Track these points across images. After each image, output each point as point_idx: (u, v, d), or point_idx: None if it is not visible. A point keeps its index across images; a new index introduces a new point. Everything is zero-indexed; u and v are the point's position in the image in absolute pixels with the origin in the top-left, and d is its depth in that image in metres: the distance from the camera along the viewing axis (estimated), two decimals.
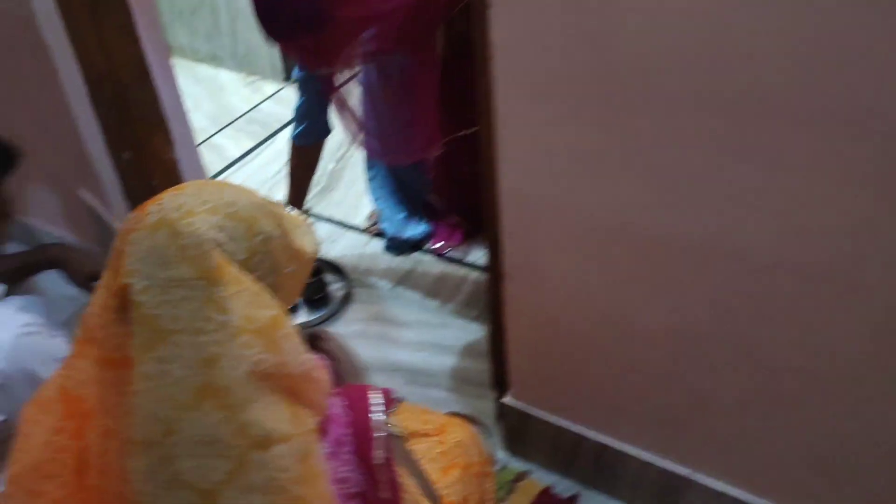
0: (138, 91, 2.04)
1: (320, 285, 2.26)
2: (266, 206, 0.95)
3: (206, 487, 0.85)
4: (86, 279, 1.77)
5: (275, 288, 0.91)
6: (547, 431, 1.66)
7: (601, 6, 1.08)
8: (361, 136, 2.07)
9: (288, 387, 0.88)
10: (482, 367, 1.95)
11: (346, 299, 2.25)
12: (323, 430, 0.98)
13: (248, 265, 0.89)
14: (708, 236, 1.19)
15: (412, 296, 2.25)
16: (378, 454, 1.01)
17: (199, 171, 2.37)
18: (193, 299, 0.84)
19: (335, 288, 2.30)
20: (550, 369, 1.58)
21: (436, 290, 2.27)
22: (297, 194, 2.32)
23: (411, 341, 2.10)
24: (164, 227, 0.85)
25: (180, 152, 2.23)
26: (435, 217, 2.41)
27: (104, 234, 2.30)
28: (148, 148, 2.10)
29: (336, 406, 1.02)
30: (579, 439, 1.61)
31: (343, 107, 2.03)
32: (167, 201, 0.89)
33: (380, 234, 2.47)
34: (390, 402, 1.10)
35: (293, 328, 0.90)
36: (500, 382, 1.75)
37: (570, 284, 1.43)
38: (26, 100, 2.17)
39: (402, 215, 2.39)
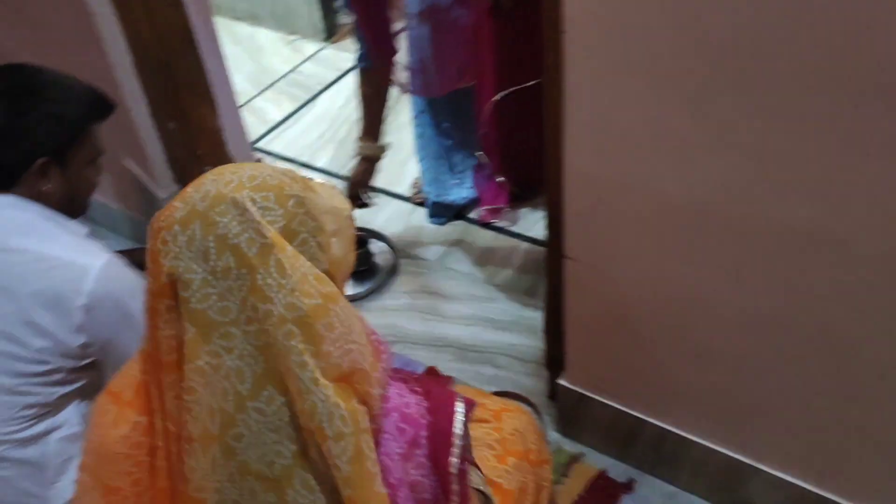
0: (183, 59, 1.99)
1: (365, 256, 2.22)
2: (289, 172, 0.92)
3: (276, 474, 0.85)
4: None
5: (323, 249, 0.89)
6: (604, 415, 1.62)
7: None
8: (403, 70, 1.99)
9: (337, 377, 0.85)
10: (534, 345, 1.91)
11: (392, 271, 2.22)
12: (399, 428, 0.95)
13: (289, 230, 0.85)
14: (808, 223, 1.13)
15: (460, 268, 2.21)
16: (454, 462, 0.97)
17: (241, 138, 2.34)
18: (239, 289, 0.83)
19: (381, 259, 2.26)
20: (611, 352, 1.54)
21: (484, 261, 2.22)
22: (372, 124, 2.13)
23: (460, 315, 2.07)
24: (195, 219, 0.84)
25: (224, 120, 2.19)
26: (482, 178, 2.34)
27: (148, 204, 2.28)
28: (193, 117, 2.07)
29: (415, 406, 0.99)
30: (639, 424, 1.57)
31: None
32: (191, 193, 0.86)
33: (423, 204, 2.42)
34: (471, 410, 1.07)
35: (342, 315, 0.86)
36: (554, 362, 1.71)
37: (639, 267, 1.37)
38: (71, 69, 2.13)
39: (446, 176, 2.33)
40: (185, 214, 0.85)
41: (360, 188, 2.15)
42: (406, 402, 0.97)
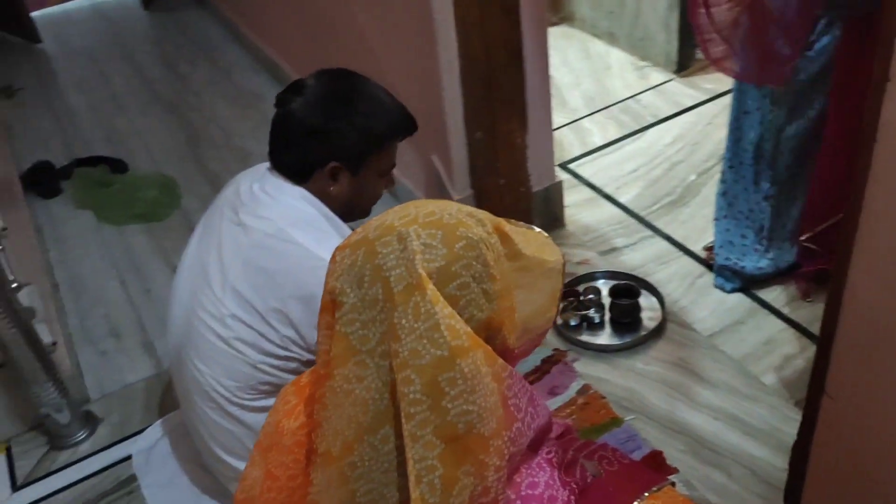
0: (507, 74, 2.03)
1: (632, 308, 2.10)
2: (481, 214, 0.88)
3: None
4: None
5: (490, 297, 0.84)
6: None
7: None
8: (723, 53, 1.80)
9: (450, 436, 0.80)
10: (779, 465, 1.66)
11: (655, 333, 2.07)
12: None
13: (447, 272, 0.82)
14: None
15: (731, 351, 1.99)
16: None
17: (546, 157, 2.34)
18: (381, 322, 0.82)
19: (647, 316, 2.13)
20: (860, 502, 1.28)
21: (761, 353, 1.98)
22: None
23: (710, 405, 1.87)
24: (363, 246, 0.84)
25: (533, 138, 2.20)
26: (797, 249, 2.07)
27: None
28: (500, 130, 2.10)
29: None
30: None
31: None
32: (374, 220, 0.87)
33: (712, 267, 2.23)
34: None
35: (469, 370, 0.80)
36: (791, 495, 1.48)
37: None
38: (402, 62, 2.28)
39: (748, 240, 2.10)
40: (358, 239, 0.86)
41: None
42: (552, 495, 0.88)
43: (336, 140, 1.43)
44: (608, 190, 2.62)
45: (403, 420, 0.80)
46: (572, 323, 2.11)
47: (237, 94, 3.56)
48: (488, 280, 0.84)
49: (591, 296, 2.14)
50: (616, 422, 1.86)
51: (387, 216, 0.87)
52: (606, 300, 2.14)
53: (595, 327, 2.10)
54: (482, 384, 0.81)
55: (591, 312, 2.11)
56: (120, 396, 2.14)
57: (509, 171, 2.18)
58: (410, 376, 0.80)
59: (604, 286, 2.20)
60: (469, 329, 0.81)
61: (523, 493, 0.87)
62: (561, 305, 2.06)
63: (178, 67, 3.88)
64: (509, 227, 0.93)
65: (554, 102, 3.08)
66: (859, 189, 1.04)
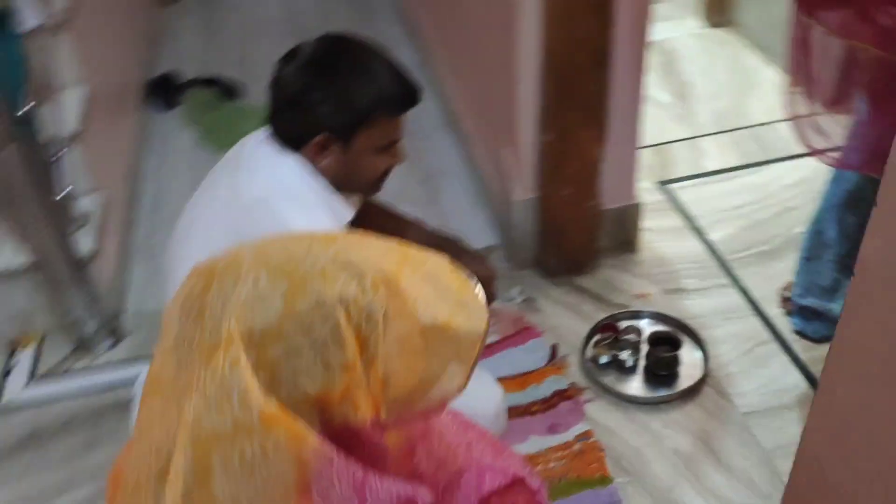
0: (588, 77, 1.85)
1: (671, 361, 1.89)
2: (366, 264, 0.75)
3: None
4: None
5: (332, 369, 0.71)
6: None
7: None
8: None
9: None
10: None
11: (689, 393, 1.85)
12: None
13: (275, 332, 0.71)
14: None
15: (762, 438, 1.74)
16: None
17: (627, 178, 2.13)
18: (187, 368, 0.73)
19: (686, 372, 1.90)
20: None
21: (795, 449, 1.72)
22: None
23: (717, 493, 1.65)
24: (205, 275, 0.76)
25: (613, 152, 2.01)
26: None
27: (501, 198, 2.24)
28: (572, 137, 1.93)
29: None
30: None
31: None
32: (244, 244, 0.78)
33: (790, 313, 1.99)
34: None
35: (259, 454, 0.69)
36: None
37: None
38: (493, 49, 2.13)
39: (830, 280, 1.84)
40: (209, 265, 0.76)
41: None
42: None
43: (319, 111, 1.34)
44: (701, 222, 2.35)
45: (170, 485, 0.71)
46: (601, 361, 1.93)
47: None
48: (334, 348, 0.72)
49: (630, 336, 1.95)
50: (604, 481, 1.68)
51: (249, 247, 0.77)
52: (645, 346, 1.93)
53: (625, 371, 1.91)
54: (263, 472, 0.70)
55: (625, 355, 1.91)
56: (154, 316, 2.19)
57: (577, 181, 2.00)
58: (186, 446, 0.71)
59: (647, 327, 1.99)
60: (272, 406, 0.70)
61: None
62: (593, 340, 1.92)
63: (326, 4, 3.88)
64: (411, 280, 0.78)
65: (680, 113, 2.85)
66: None
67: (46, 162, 2.01)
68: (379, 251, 0.80)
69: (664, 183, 2.51)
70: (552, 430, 1.80)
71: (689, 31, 3.31)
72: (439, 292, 0.81)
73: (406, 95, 1.40)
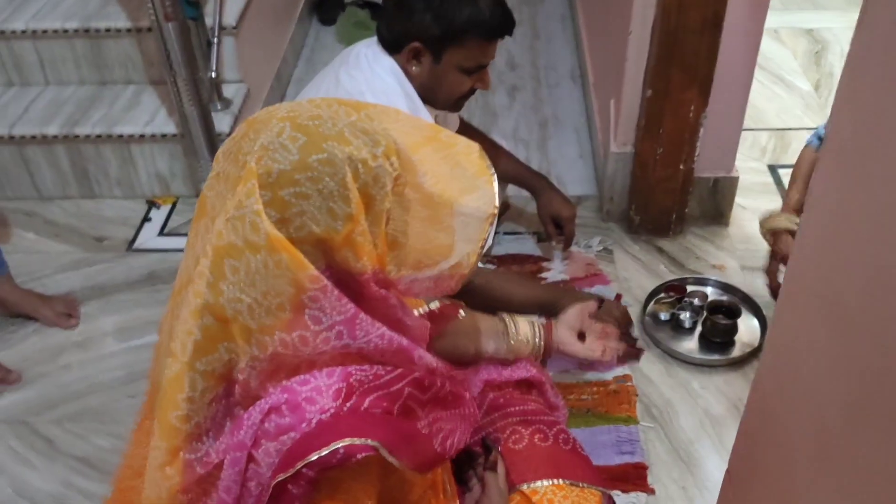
0: (697, 39, 1.89)
1: (729, 329, 1.92)
2: (383, 134, 0.87)
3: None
4: (548, 218, 1.96)
5: (336, 217, 0.85)
6: None
7: None
8: None
9: (219, 316, 0.89)
10: None
11: (738, 363, 1.88)
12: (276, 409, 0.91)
13: (288, 177, 0.84)
14: None
15: None
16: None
17: (729, 149, 2.16)
18: (222, 198, 0.90)
19: (743, 337, 1.93)
20: None
21: None
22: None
23: None
24: (248, 125, 0.91)
25: (717, 120, 2.05)
26: None
27: (601, 148, 2.31)
28: (671, 97, 1.98)
29: (320, 400, 0.91)
30: None
31: None
32: (285, 103, 0.93)
33: None
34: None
35: (256, 268, 0.85)
36: None
37: None
38: (610, 8, 2.19)
39: None
40: (254, 116, 0.92)
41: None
42: (311, 397, 0.91)
43: (416, 19, 1.49)
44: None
45: (193, 282, 0.89)
46: (661, 317, 1.99)
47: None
48: (339, 200, 0.84)
49: (694, 299, 1.99)
50: (629, 420, 1.77)
51: (288, 105, 0.92)
52: (704, 312, 1.97)
53: (682, 332, 1.96)
54: (266, 282, 0.85)
55: (685, 315, 1.97)
56: None
57: (672, 142, 2.04)
58: (207, 250, 0.88)
59: (712, 295, 2.02)
60: (278, 234, 0.84)
61: (286, 384, 0.92)
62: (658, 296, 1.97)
63: None
64: (429, 156, 0.92)
65: (814, 103, 2.78)
66: None
67: (202, 44, 2.28)
68: (405, 127, 0.94)
69: (775, 167, 2.48)
70: (593, 367, 1.90)
71: (849, 24, 3.16)
72: (455, 172, 0.94)
73: (500, 24, 1.52)
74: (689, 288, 2.04)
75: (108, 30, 2.39)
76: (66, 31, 2.40)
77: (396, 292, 0.97)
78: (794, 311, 0.87)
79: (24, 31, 2.40)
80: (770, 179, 2.45)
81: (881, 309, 0.67)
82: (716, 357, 1.90)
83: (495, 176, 0.97)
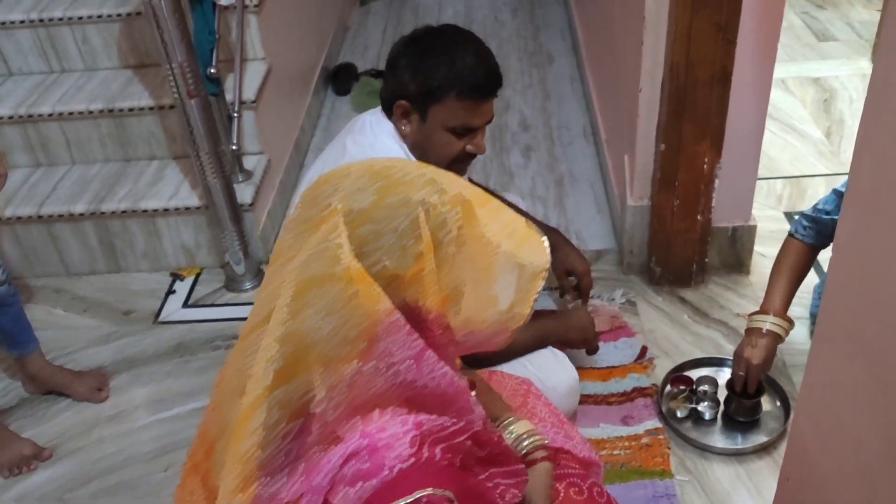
0: (705, 93, 1.94)
1: (754, 408, 1.85)
2: (451, 186, 0.94)
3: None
4: (563, 273, 1.95)
5: (407, 255, 0.90)
6: None
7: None
8: None
9: (297, 342, 0.91)
10: None
11: (771, 445, 1.81)
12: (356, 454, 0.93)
13: (366, 215, 0.91)
14: None
15: None
16: None
17: (745, 198, 2.18)
18: (301, 238, 0.95)
19: (768, 420, 1.86)
20: None
21: None
22: (786, 297, 1.86)
23: None
24: (329, 174, 0.98)
25: (732, 171, 2.08)
26: None
27: (618, 203, 2.34)
28: (686, 149, 2.02)
29: (397, 448, 0.94)
30: None
31: None
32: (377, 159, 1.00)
33: None
34: None
35: (341, 300, 0.88)
36: None
37: None
38: (620, 67, 2.24)
39: None
40: (342, 166, 0.99)
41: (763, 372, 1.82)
42: (389, 444, 0.93)
43: (399, 77, 1.53)
44: (822, 257, 2.33)
45: (273, 314, 0.92)
46: (679, 414, 1.88)
47: (536, 50, 3.69)
48: (411, 238, 0.90)
49: (704, 386, 1.89)
50: (664, 474, 1.76)
51: (360, 161, 0.99)
52: (722, 393, 1.88)
53: (704, 424, 1.87)
54: (343, 313, 0.89)
55: (703, 407, 1.87)
56: None
57: (687, 193, 2.07)
58: (289, 282, 0.92)
59: (723, 378, 1.92)
60: (358, 265, 0.89)
61: (364, 430, 0.94)
62: (666, 389, 1.93)
63: (501, 14, 4.11)
64: (486, 211, 0.96)
65: (827, 150, 2.81)
66: None
67: (223, 118, 2.35)
68: (463, 184, 0.99)
69: (791, 214, 2.50)
70: (625, 421, 1.89)
71: (855, 72, 3.23)
72: (508, 229, 0.98)
73: (479, 85, 1.52)
74: (694, 374, 1.95)
75: (131, 109, 2.47)
76: (91, 112, 2.48)
77: (454, 341, 0.99)
78: (829, 353, 0.87)
79: (50, 115, 2.48)
80: (787, 227, 2.45)
81: None
82: (748, 446, 1.81)
83: (545, 237, 1.00)
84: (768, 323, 1.80)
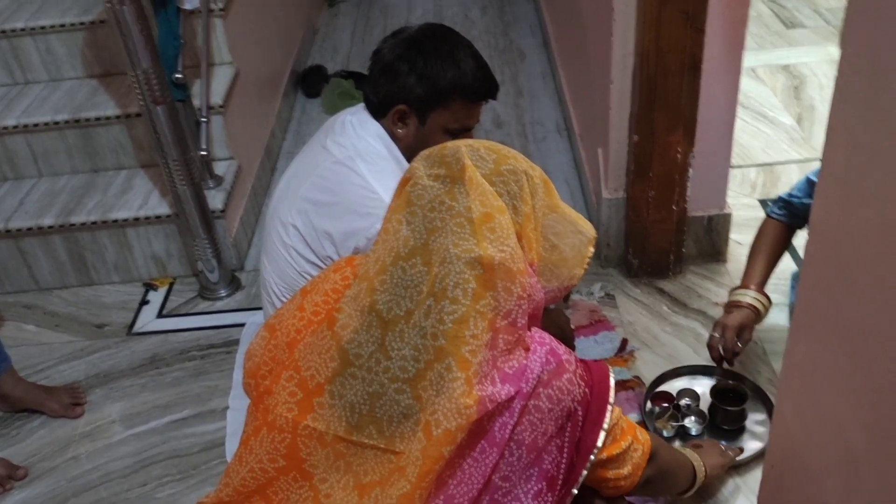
0: (676, 82, 1.93)
1: (738, 416, 1.81)
2: (537, 168, 1.15)
3: (388, 318, 1.08)
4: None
5: (518, 213, 1.10)
6: None
7: None
8: None
9: (486, 264, 1.03)
10: None
11: (758, 455, 1.75)
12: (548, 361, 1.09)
13: (487, 179, 1.08)
14: None
15: None
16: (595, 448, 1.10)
17: (719, 187, 2.18)
18: (439, 190, 1.09)
19: (752, 429, 1.82)
20: None
21: None
22: (764, 273, 1.88)
23: None
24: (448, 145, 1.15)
25: (705, 160, 2.07)
26: None
27: (592, 195, 2.33)
28: (659, 139, 2.01)
29: (575, 382, 1.10)
30: None
31: None
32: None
33: None
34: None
35: (508, 226, 1.06)
36: None
37: None
38: (591, 60, 2.23)
39: None
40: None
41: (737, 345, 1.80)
42: (553, 348, 1.12)
43: (401, 81, 1.52)
44: (795, 242, 2.34)
45: (452, 247, 1.03)
46: (666, 434, 1.81)
47: (506, 47, 3.69)
48: (520, 200, 1.10)
49: (686, 400, 1.86)
50: None
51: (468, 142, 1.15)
52: (706, 402, 1.84)
53: (692, 439, 1.79)
54: (512, 238, 1.07)
55: (689, 423, 1.82)
56: None
57: (661, 184, 2.07)
58: (462, 222, 1.05)
59: (702, 387, 1.89)
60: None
61: (533, 335, 1.13)
62: (647, 408, 1.90)
63: (471, 12, 4.09)
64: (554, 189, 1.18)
65: (798, 136, 2.83)
66: None
67: (191, 124, 2.31)
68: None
69: (766, 201, 2.51)
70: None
71: (824, 58, 3.25)
72: (568, 205, 1.20)
73: (483, 87, 1.55)
74: (669, 387, 1.91)
75: (97, 119, 2.43)
76: (56, 123, 2.43)
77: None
78: (808, 338, 0.87)
79: (15, 127, 2.43)
80: (762, 214, 2.46)
81: (890, 324, 0.67)
82: (747, 456, 1.75)
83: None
84: (749, 297, 1.83)
